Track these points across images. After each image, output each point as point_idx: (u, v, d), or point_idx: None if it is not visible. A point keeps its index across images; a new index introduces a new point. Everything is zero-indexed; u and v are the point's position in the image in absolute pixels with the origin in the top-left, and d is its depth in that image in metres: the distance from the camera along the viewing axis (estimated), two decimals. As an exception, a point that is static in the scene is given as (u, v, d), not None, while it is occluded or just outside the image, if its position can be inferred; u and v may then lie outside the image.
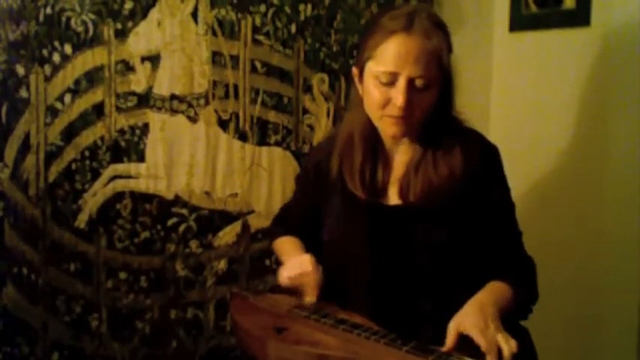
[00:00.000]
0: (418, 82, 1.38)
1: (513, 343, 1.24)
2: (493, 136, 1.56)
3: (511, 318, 1.42)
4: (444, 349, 1.26)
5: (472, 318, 1.29)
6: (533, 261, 1.53)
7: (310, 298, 1.48)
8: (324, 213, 1.61)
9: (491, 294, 1.38)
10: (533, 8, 2.33)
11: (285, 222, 1.78)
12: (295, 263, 1.52)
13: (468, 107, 2.39)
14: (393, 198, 1.52)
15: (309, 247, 1.63)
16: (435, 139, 1.48)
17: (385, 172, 1.53)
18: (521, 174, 2.29)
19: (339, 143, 1.57)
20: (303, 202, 1.72)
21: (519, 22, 2.38)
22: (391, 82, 1.39)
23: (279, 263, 1.65)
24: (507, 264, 1.47)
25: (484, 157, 1.49)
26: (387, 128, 1.46)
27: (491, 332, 1.25)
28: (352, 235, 1.53)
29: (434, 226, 1.45)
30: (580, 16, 2.18)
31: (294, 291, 1.52)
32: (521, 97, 2.40)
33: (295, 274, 1.49)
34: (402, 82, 1.38)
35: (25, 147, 1.94)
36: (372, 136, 1.52)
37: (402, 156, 1.53)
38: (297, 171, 2.19)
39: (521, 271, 1.48)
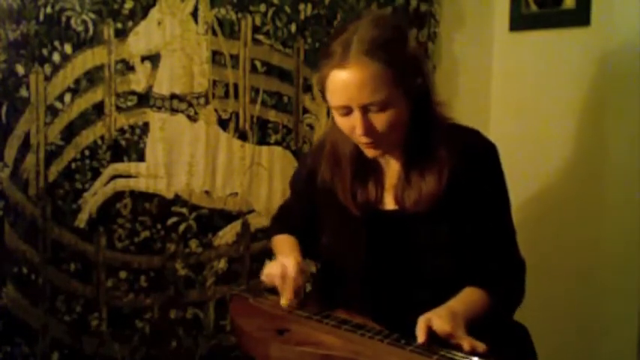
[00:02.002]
0: (372, 108, 1.36)
1: (480, 345, 1.24)
2: (493, 136, 1.55)
3: (492, 319, 1.43)
4: (419, 342, 1.26)
5: (443, 319, 1.29)
6: (522, 262, 1.52)
7: (284, 301, 1.46)
8: (320, 218, 1.61)
9: (463, 304, 1.38)
10: (534, 8, 2.33)
11: (284, 221, 1.77)
12: (279, 263, 1.49)
13: (468, 107, 2.42)
14: (390, 204, 1.51)
15: (307, 246, 1.63)
16: (423, 144, 1.46)
17: (379, 182, 1.53)
18: (520, 174, 2.29)
19: (325, 155, 1.57)
20: (298, 205, 1.71)
21: (519, 21, 2.38)
22: (348, 112, 1.38)
23: (272, 258, 1.64)
24: (492, 265, 1.46)
25: (480, 156, 1.47)
26: (366, 151, 1.46)
27: (459, 335, 1.26)
28: (350, 241, 1.53)
29: (432, 228, 1.45)
30: (580, 16, 2.19)
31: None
32: (521, 97, 2.40)
33: (275, 273, 1.47)
34: (355, 112, 1.37)
35: (25, 146, 1.94)
36: (358, 148, 1.51)
37: (393, 162, 1.52)
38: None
39: (505, 273, 1.47)
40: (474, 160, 1.46)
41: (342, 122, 1.42)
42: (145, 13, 2.02)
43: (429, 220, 1.45)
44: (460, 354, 1.22)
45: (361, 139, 1.41)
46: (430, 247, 1.45)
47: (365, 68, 1.34)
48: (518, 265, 1.52)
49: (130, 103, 2.05)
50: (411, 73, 1.40)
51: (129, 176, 2.07)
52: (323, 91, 1.43)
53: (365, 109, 1.36)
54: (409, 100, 1.41)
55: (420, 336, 1.27)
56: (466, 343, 1.24)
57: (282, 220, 1.78)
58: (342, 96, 1.37)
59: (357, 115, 1.37)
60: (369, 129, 1.38)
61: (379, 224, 1.50)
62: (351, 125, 1.39)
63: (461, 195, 1.44)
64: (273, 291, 1.53)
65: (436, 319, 1.29)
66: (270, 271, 1.49)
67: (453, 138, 1.46)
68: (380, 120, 1.38)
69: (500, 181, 1.51)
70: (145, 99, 2.06)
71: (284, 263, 1.48)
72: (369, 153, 1.45)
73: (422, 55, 1.48)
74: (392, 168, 1.52)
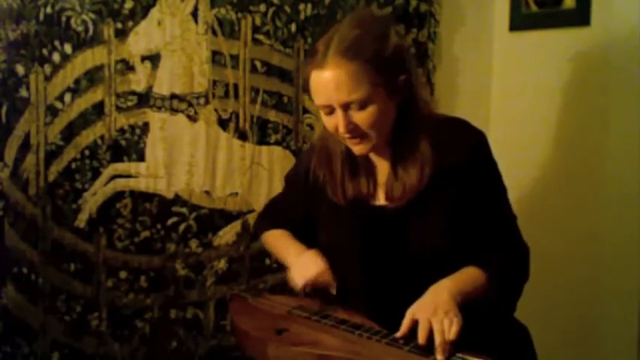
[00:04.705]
0: (353, 106, 1.39)
1: (453, 330, 1.25)
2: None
3: (499, 302, 1.44)
4: (398, 334, 1.29)
5: (425, 306, 1.32)
6: (525, 245, 1.52)
7: (334, 290, 1.50)
8: (316, 217, 1.61)
9: (452, 281, 1.39)
10: (534, 8, 2.33)
11: (274, 216, 1.76)
12: (308, 264, 1.52)
13: (469, 107, 2.41)
14: (382, 199, 1.52)
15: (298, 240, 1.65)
16: (408, 139, 1.47)
17: (371, 178, 1.54)
18: (520, 173, 2.30)
19: (316, 152, 1.59)
20: (293, 202, 1.71)
21: (519, 21, 2.38)
22: (331, 111, 1.41)
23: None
24: (492, 248, 1.46)
25: (469, 144, 1.48)
26: (353, 148, 1.48)
27: (435, 319, 1.27)
28: (345, 239, 1.54)
29: (426, 220, 1.45)
30: (580, 16, 2.19)
31: (294, 291, 1.53)
32: (521, 97, 2.40)
33: (314, 276, 1.50)
34: (337, 111, 1.40)
35: (25, 146, 1.94)
36: (348, 147, 1.52)
37: (383, 159, 1.53)
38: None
39: (505, 254, 1.47)
40: (464, 150, 1.46)
41: (327, 121, 1.45)
42: (145, 13, 2.02)
43: (423, 212, 1.45)
44: (459, 354, 1.22)
45: (345, 136, 1.43)
46: (424, 240, 1.45)
47: (341, 68, 1.36)
48: (519, 248, 1.52)
49: (130, 103, 2.05)
50: (394, 71, 1.41)
51: (129, 176, 2.07)
52: (308, 90, 1.46)
53: (346, 107, 1.39)
54: (393, 97, 1.42)
55: (402, 328, 1.30)
56: (437, 336, 1.24)
57: (273, 216, 1.77)
58: (323, 95, 1.40)
59: (338, 114, 1.40)
60: (350, 127, 1.40)
61: (372, 219, 1.51)
62: (335, 123, 1.42)
63: (454, 186, 1.44)
64: (273, 291, 1.53)
65: (418, 310, 1.31)
66: (310, 276, 1.51)
67: (441, 131, 1.47)
68: (361, 118, 1.40)
69: (493, 168, 1.51)
70: (145, 99, 2.06)
71: (312, 261, 1.52)
72: (356, 150, 1.47)
73: (406, 53, 1.49)
74: (382, 164, 1.53)
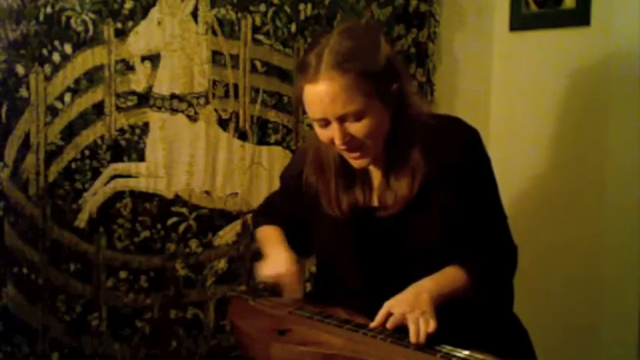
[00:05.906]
0: (349, 118, 1.39)
1: (429, 325, 1.27)
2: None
3: (482, 301, 1.44)
4: (371, 325, 1.32)
5: (403, 303, 1.34)
6: (512, 245, 1.53)
7: (292, 294, 1.50)
8: (310, 220, 1.61)
9: (433, 282, 1.41)
10: (533, 8, 2.33)
11: (270, 212, 1.77)
12: (274, 261, 1.54)
13: (468, 107, 2.42)
14: (377, 202, 1.53)
15: (292, 238, 1.64)
16: (401, 146, 1.48)
17: (366, 184, 1.54)
18: (520, 173, 2.30)
19: (309, 161, 1.59)
20: (287, 203, 1.71)
21: (519, 21, 2.38)
22: (326, 124, 1.41)
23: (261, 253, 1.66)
24: (477, 247, 1.47)
25: (463, 143, 1.48)
26: (352, 162, 1.48)
27: (411, 317, 1.29)
28: (341, 243, 1.54)
29: (422, 220, 1.46)
30: (580, 16, 2.19)
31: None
32: (521, 97, 2.40)
33: (274, 274, 1.52)
34: (333, 124, 1.40)
35: (25, 146, 1.94)
36: (341, 155, 1.52)
37: (377, 165, 1.53)
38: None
39: (489, 254, 1.47)
40: (458, 149, 1.47)
41: (321, 133, 1.45)
42: (145, 13, 2.02)
43: (420, 211, 1.46)
44: (465, 352, 1.22)
45: (341, 148, 1.43)
46: (422, 238, 1.46)
47: (335, 82, 1.36)
48: (506, 249, 1.53)
49: (130, 103, 2.05)
50: (386, 81, 1.41)
51: (129, 176, 2.07)
52: (301, 104, 1.45)
53: (342, 120, 1.39)
54: (387, 106, 1.42)
55: (375, 321, 1.33)
56: (412, 327, 1.27)
57: (268, 212, 1.77)
58: (318, 109, 1.40)
59: (334, 127, 1.40)
60: (347, 139, 1.40)
61: (368, 220, 1.52)
62: (330, 136, 1.42)
63: (450, 185, 1.45)
64: (272, 291, 1.53)
65: (396, 306, 1.33)
66: (270, 273, 1.52)
67: (434, 132, 1.47)
68: (357, 129, 1.40)
69: (486, 166, 1.52)
70: (145, 99, 2.06)
71: (279, 260, 1.52)
72: (356, 165, 1.48)
73: (398, 60, 1.49)
74: (376, 171, 1.54)
